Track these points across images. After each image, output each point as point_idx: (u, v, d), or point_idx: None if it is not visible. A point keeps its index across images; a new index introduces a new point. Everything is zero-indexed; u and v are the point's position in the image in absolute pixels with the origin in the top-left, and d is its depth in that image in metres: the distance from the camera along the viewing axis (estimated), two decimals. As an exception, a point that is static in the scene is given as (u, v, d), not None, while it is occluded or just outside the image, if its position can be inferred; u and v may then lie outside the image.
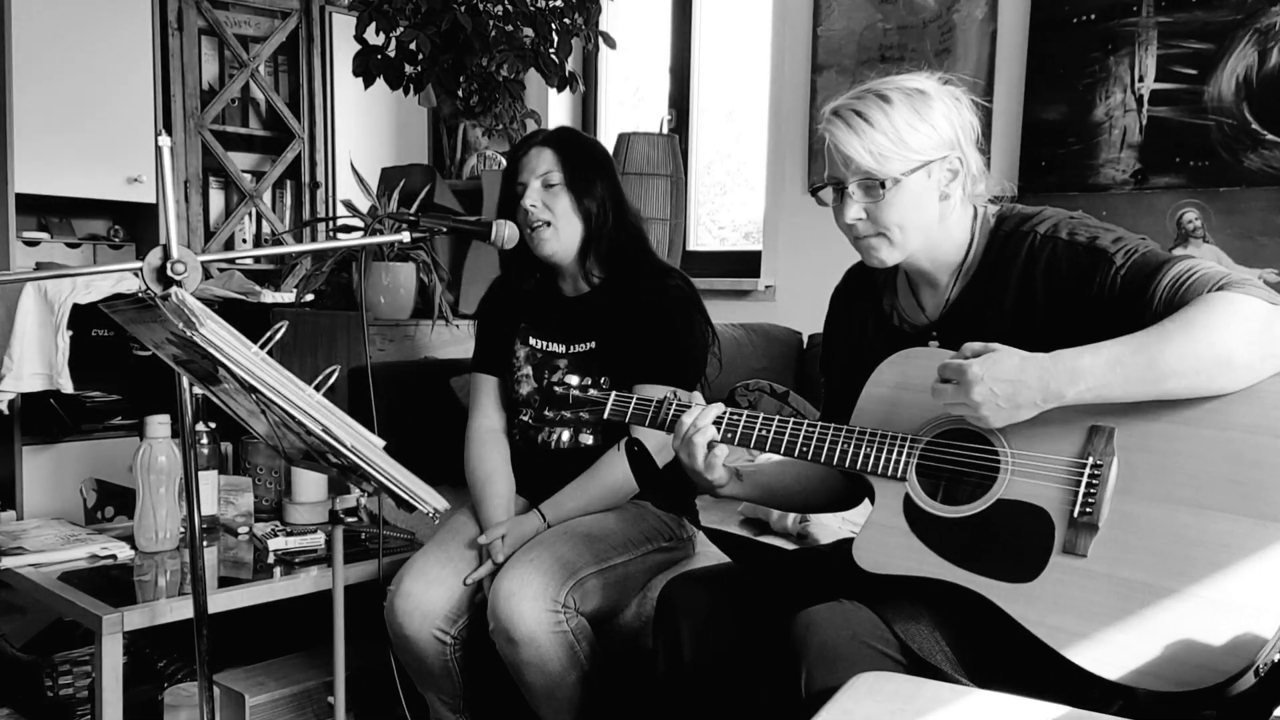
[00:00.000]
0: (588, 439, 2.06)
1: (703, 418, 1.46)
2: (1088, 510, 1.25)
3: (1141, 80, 2.58)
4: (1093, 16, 2.65)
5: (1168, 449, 1.24)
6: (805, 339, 2.92)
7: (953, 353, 1.36)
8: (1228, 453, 1.21)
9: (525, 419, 2.12)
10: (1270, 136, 2.41)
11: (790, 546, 2.09)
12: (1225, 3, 2.46)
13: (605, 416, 1.55)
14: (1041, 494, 1.28)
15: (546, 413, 1.56)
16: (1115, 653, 1.19)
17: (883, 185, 1.36)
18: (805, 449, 1.42)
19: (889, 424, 1.40)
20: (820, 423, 1.43)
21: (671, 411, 1.51)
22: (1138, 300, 1.28)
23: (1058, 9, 2.71)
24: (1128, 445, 1.25)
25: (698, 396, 1.52)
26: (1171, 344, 1.20)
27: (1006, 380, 1.23)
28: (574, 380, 1.58)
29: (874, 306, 1.58)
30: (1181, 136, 2.53)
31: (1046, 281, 1.36)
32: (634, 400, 1.54)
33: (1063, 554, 1.25)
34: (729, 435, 1.47)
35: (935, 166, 1.38)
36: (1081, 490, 1.25)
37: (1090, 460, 1.26)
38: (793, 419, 1.44)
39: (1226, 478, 1.20)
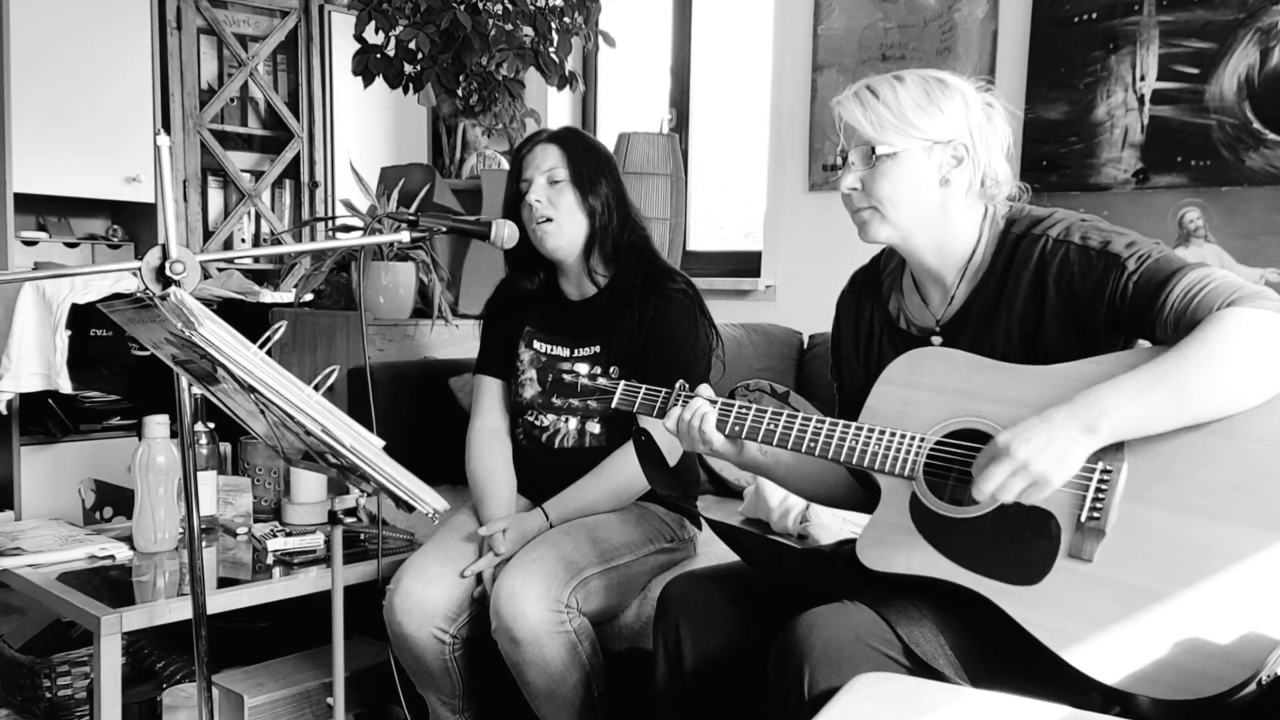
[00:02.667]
0: (593, 427, 2.05)
1: (706, 422, 1.45)
2: (1095, 515, 1.24)
3: (1143, 79, 2.58)
4: (1094, 15, 2.65)
5: (1179, 457, 1.22)
6: (805, 339, 2.91)
7: (964, 353, 1.37)
8: (1240, 462, 1.20)
9: (530, 420, 2.11)
10: (1272, 136, 2.41)
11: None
12: (1227, 2, 2.46)
13: (614, 406, 1.55)
14: (1050, 497, 1.26)
15: (555, 400, 1.55)
16: (1117, 658, 1.18)
17: (874, 152, 1.38)
18: (813, 445, 1.40)
19: (898, 422, 1.39)
20: (828, 418, 1.42)
21: (679, 403, 1.50)
22: (1149, 307, 1.28)
23: (1059, 8, 2.71)
24: (1138, 451, 1.24)
25: (706, 389, 1.51)
26: (1192, 368, 1.19)
27: (1038, 431, 1.20)
28: (583, 369, 1.58)
29: (880, 310, 1.57)
30: (1183, 136, 2.53)
31: (1058, 285, 1.35)
32: (642, 390, 1.54)
33: (1069, 558, 1.24)
34: (736, 430, 1.45)
35: (936, 149, 1.38)
36: (1090, 495, 1.24)
37: (1100, 465, 1.25)
38: (800, 414, 1.43)
39: (1237, 487, 1.19)
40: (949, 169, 1.39)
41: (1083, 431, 1.20)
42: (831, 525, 2.18)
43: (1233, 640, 1.15)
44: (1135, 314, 1.29)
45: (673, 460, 1.87)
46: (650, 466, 1.59)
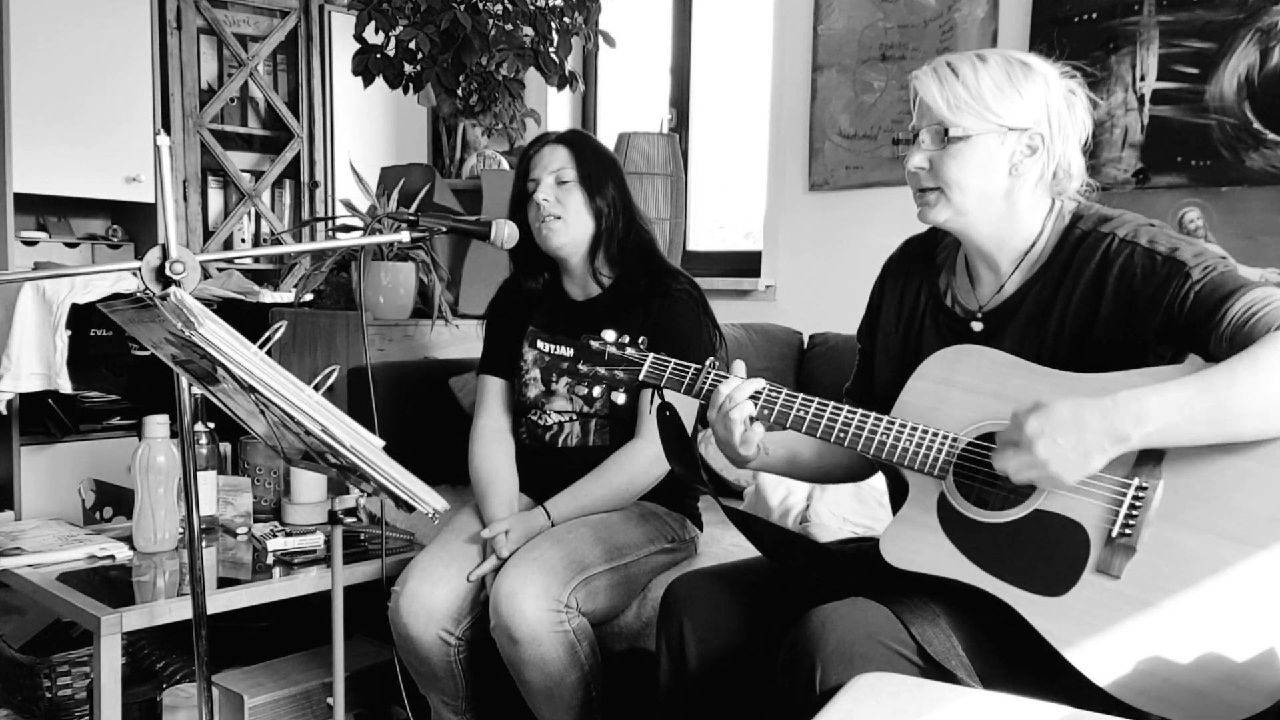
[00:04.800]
0: (598, 438, 2.06)
1: (740, 391, 1.42)
2: (1127, 532, 1.22)
3: (1143, 79, 2.58)
4: (1094, 15, 2.65)
5: (1217, 480, 1.20)
6: (805, 339, 2.91)
7: (1003, 354, 1.35)
8: (1278, 490, 1.17)
9: (534, 419, 2.12)
10: (1272, 136, 2.41)
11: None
12: (1227, 2, 2.45)
13: (640, 378, 1.49)
14: (1081, 509, 1.25)
15: (581, 367, 1.51)
16: (1136, 678, 1.17)
17: (948, 133, 1.35)
18: (843, 435, 1.38)
19: (931, 419, 1.36)
20: (859, 410, 1.39)
21: (709, 380, 1.46)
22: (1207, 320, 1.25)
23: (1059, 8, 2.71)
24: (1176, 471, 1.22)
25: (740, 366, 1.47)
26: (1240, 386, 1.16)
27: (1068, 429, 1.18)
28: (610, 335, 1.52)
29: (930, 285, 1.54)
30: (1183, 136, 2.52)
31: (1117, 286, 1.33)
32: (671, 364, 1.48)
33: (1096, 573, 1.23)
34: (766, 412, 1.42)
35: (1011, 136, 1.35)
36: (1123, 511, 1.23)
37: (1136, 481, 1.23)
38: (832, 402, 1.41)
39: (1273, 515, 1.17)
40: (1021, 158, 1.36)
41: (1113, 441, 1.18)
42: (831, 525, 2.18)
43: (1255, 669, 1.13)
44: (1191, 325, 1.27)
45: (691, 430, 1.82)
46: (671, 443, 1.55)
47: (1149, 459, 1.23)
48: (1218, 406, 1.16)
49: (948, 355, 1.40)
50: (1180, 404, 1.17)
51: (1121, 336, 1.32)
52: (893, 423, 1.37)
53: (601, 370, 1.50)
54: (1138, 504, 1.22)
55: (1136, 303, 1.31)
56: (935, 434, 1.34)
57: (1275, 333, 1.19)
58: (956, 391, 1.37)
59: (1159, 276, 1.30)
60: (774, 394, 1.42)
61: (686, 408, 1.89)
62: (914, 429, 1.35)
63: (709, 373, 1.46)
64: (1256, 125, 2.43)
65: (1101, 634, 1.20)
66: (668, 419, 1.53)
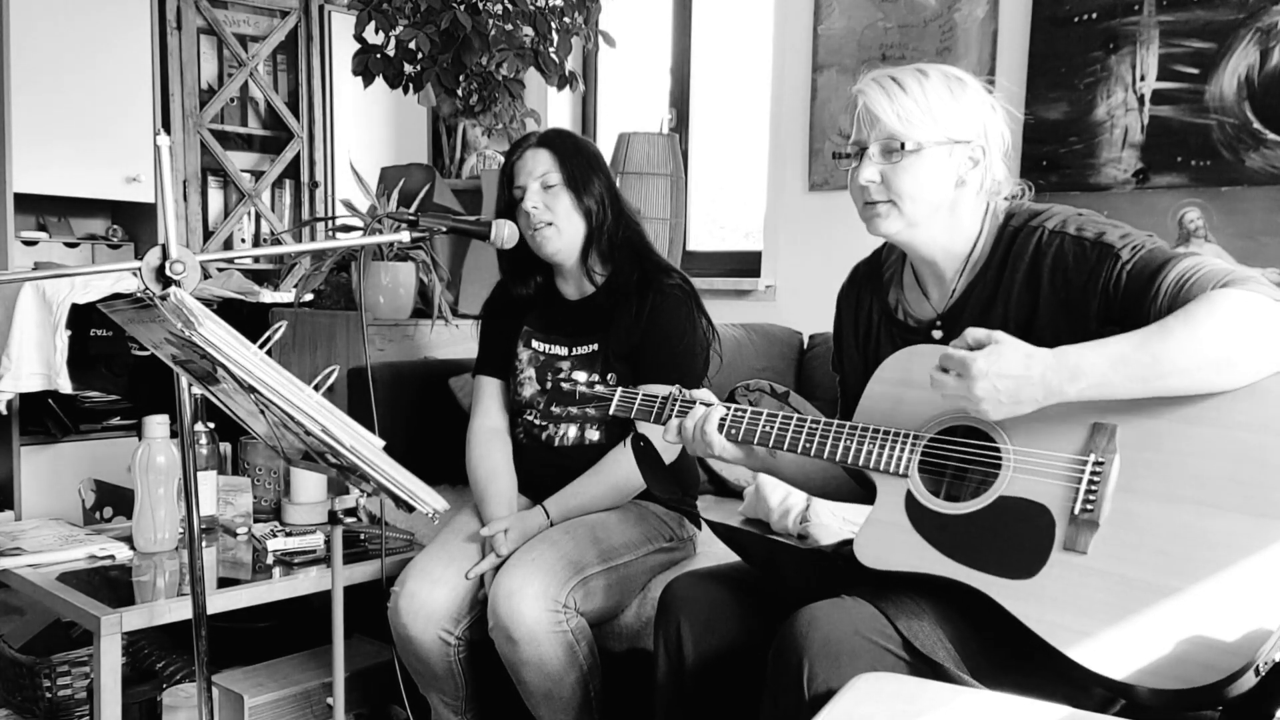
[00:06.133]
0: (594, 434, 2.06)
1: (709, 423, 1.47)
2: (1089, 507, 1.24)
3: (1143, 79, 2.58)
4: (1094, 15, 2.65)
5: (1170, 447, 1.23)
6: (805, 339, 2.91)
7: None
8: (1231, 451, 1.20)
9: (530, 419, 2.12)
10: (1272, 136, 2.41)
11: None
12: (1227, 2, 2.46)
13: (611, 413, 1.57)
14: (1043, 491, 1.28)
15: (554, 408, 1.58)
16: (1114, 649, 1.19)
17: (903, 147, 1.37)
18: (809, 445, 1.42)
19: (892, 420, 1.40)
20: (824, 419, 1.43)
21: (675, 408, 1.52)
22: (1142, 296, 1.28)
23: (1059, 8, 2.71)
24: (1130, 443, 1.25)
25: (704, 393, 1.51)
26: (1174, 341, 1.20)
27: (1011, 376, 1.21)
28: (581, 377, 1.61)
29: (880, 302, 1.58)
30: (1183, 136, 2.53)
31: (1052, 276, 1.36)
32: (639, 397, 1.56)
33: (1063, 551, 1.25)
34: (733, 433, 1.47)
35: (958, 149, 1.39)
36: (1083, 487, 1.25)
37: (1092, 457, 1.25)
38: (796, 416, 1.44)
39: (1229, 476, 1.19)
40: (966, 170, 1.40)
41: (1047, 394, 1.22)
42: (831, 525, 2.18)
43: (1227, 629, 1.15)
44: (1128, 304, 1.30)
45: (669, 459, 1.87)
46: (649, 471, 1.61)
47: (1103, 433, 1.26)
48: (1152, 363, 1.20)
49: (901, 356, 1.44)
50: (1116, 360, 1.21)
51: (1064, 324, 1.35)
52: (854, 428, 1.40)
53: (574, 410, 1.56)
54: (1096, 479, 1.25)
55: (1072, 291, 1.35)
56: (897, 434, 1.37)
57: (1208, 292, 1.22)
58: (914, 390, 1.40)
59: (1089, 262, 1.33)
60: (739, 414, 1.47)
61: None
62: (875, 431, 1.39)
63: (676, 400, 1.53)
64: (1256, 125, 2.43)
65: (1074, 610, 1.22)
66: (642, 449, 1.59)
